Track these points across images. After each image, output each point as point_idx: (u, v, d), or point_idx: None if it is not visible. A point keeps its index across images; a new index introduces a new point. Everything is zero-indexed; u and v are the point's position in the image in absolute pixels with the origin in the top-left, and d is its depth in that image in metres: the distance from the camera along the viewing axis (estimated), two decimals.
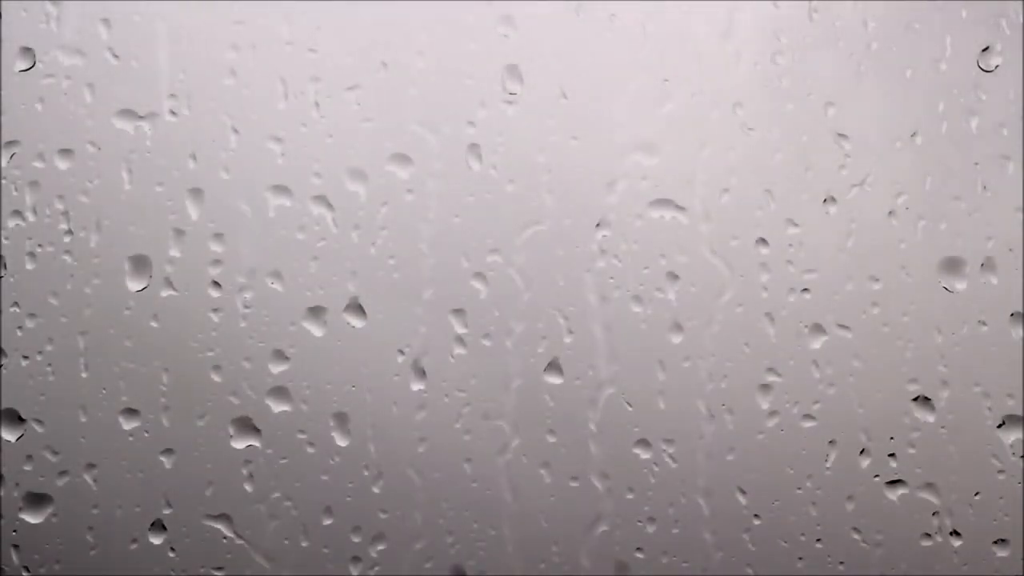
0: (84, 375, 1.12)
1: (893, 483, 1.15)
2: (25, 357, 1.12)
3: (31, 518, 1.11)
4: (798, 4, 1.17)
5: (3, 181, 1.12)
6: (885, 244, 1.16)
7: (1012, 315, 1.16)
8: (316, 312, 1.13)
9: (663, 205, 1.16)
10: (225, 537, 1.12)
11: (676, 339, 1.15)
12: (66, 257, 1.13)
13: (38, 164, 1.12)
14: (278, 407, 1.13)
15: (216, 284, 1.12)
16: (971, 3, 1.18)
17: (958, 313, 1.16)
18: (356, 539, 1.13)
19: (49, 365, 1.12)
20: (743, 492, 1.14)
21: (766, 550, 1.14)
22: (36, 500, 1.11)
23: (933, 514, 1.15)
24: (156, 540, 1.12)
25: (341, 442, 1.13)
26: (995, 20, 1.18)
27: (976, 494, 1.15)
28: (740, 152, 1.16)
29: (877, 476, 1.15)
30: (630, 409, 1.14)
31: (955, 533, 1.15)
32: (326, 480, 1.13)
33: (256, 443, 1.12)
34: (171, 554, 1.12)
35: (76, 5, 1.13)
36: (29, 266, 1.12)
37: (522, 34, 1.16)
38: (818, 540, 1.14)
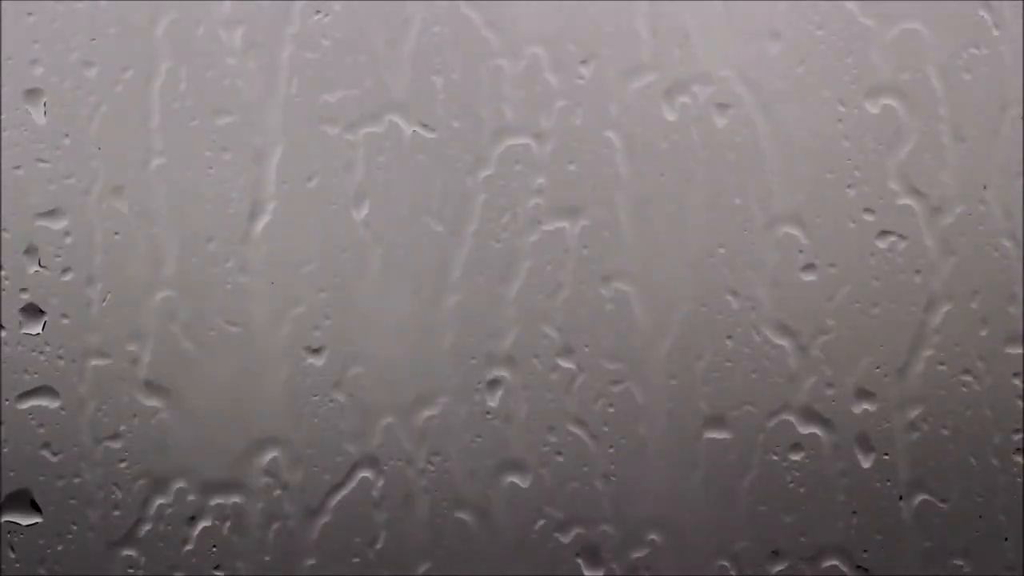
0: (85, 374, 1.12)
1: (893, 483, 1.15)
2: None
3: (24, 519, 1.11)
4: (798, 4, 1.18)
5: (3, 180, 1.12)
6: (883, 244, 1.16)
7: (1012, 316, 1.16)
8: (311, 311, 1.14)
9: (662, 206, 1.16)
10: (224, 536, 1.12)
11: (676, 339, 1.15)
12: (66, 257, 1.13)
13: (41, 164, 1.12)
14: (278, 412, 1.13)
15: (216, 284, 1.13)
16: (969, 2, 1.18)
17: (958, 314, 1.16)
18: (356, 539, 1.13)
19: (49, 363, 1.12)
20: (742, 492, 1.14)
21: (765, 549, 1.14)
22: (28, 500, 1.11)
23: (933, 514, 1.15)
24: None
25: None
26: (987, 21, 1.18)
27: (976, 494, 1.15)
28: (740, 153, 1.16)
29: (877, 476, 1.15)
30: (630, 409, 1.14)
31: (955, 533, 1.15)
32: (326, 479, 1.13)
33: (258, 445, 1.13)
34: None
35: (76, 5, 1.13)
36: (30, 267, 1.13)
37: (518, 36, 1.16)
38: (818, 540, 1.15)
